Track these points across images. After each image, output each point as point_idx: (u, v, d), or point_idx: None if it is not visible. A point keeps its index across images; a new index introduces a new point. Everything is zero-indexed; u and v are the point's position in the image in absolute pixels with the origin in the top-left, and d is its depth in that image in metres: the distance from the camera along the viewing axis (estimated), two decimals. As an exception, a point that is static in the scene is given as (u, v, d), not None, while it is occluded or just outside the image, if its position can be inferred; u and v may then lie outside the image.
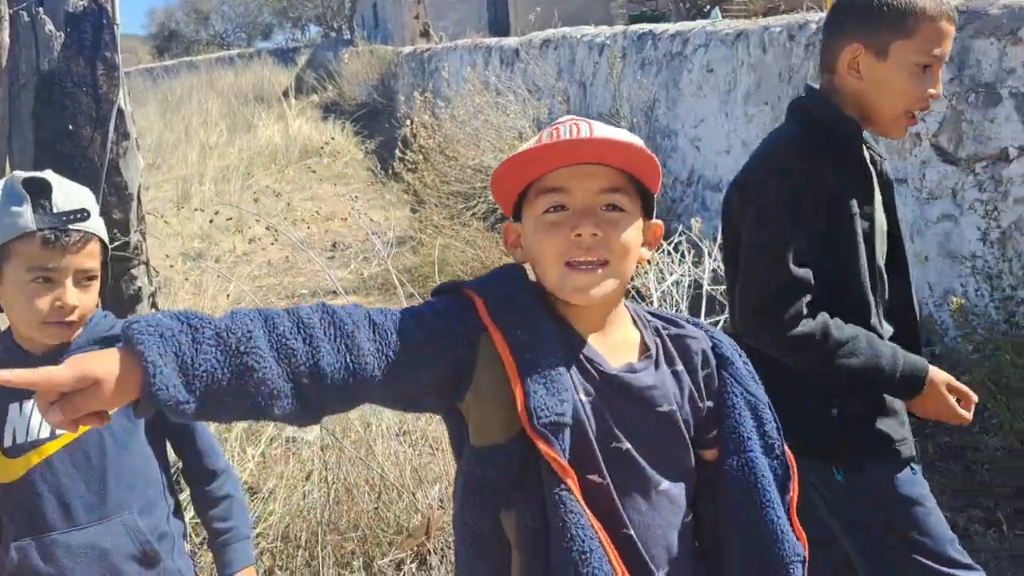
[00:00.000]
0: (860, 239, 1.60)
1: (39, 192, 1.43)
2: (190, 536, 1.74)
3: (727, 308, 1.78)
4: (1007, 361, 2.92)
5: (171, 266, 5.36)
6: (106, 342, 1.49)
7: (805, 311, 1.53)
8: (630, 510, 1.07)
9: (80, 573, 1.45)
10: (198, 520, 1.72)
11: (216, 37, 42.16)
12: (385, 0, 22.35)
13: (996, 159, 3.59)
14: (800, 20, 4.94)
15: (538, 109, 7.43)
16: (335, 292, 4.65)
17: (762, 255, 1.56)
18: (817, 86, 1.71)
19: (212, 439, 1.68)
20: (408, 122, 7.72)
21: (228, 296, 4.41)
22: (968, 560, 1.61)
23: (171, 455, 1.69)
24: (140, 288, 2.65)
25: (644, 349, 1.14)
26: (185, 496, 1.88)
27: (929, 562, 1.58)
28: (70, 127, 2.43)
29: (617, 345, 1.12)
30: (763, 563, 1.11)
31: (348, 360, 0.98)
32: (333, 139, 11.45)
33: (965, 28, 3.59)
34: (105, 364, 0.88)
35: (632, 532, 1.06)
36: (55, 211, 1.42)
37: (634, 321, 1.16)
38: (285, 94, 16.71)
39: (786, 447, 1.17)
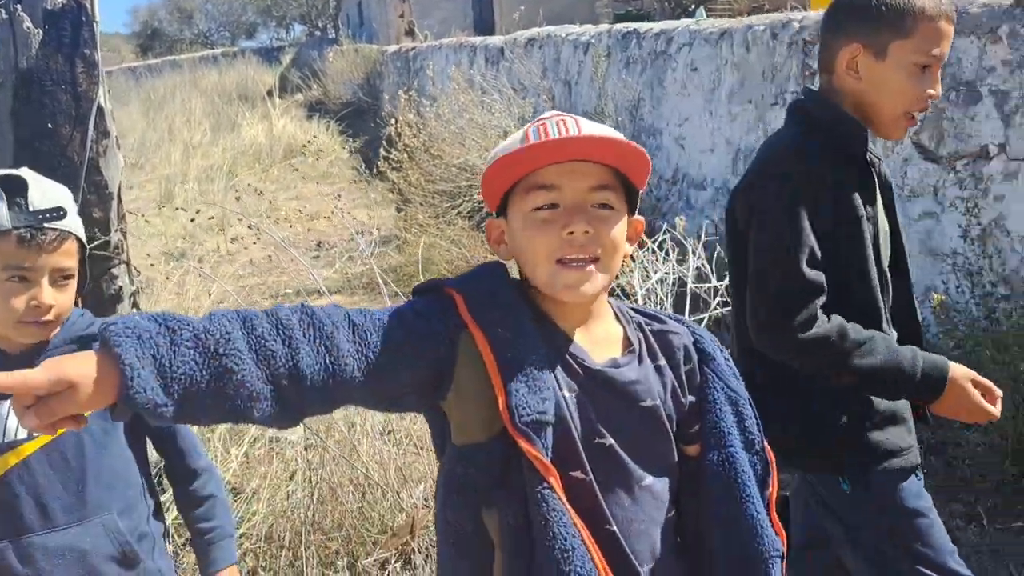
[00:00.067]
0: (868, 241, 1.57)
1: (15, 190, 1.41)
2: (173, 537, 1.73)
3: (734, 316, 1.74)
4: (987, 357, 2.94)
5: (152, 265, 5.32)
6: (83, 341, 1.47)
7: (819, 313, 1.50)
8: (613, 506, 1.07)
9: (58, 575, 1.43)
10: (181, 521, 1.71)
11: (200, 36, 41.93)
12: (370, -1, 22.30)
13: (976, 157, 3.62)
14: (783, 19, 4.96)
15: (523, 108, 7.42)
16: (319, 292, 4.62)
17: (772, 259, 1.53)
18: (813, 86, 1.69)
19: (194, 439, 1.66)
20: (393, 121, 7.69)
21: (210, 296, 4.38)
22: (967, 571, 1.60)
23: (153, 455, 1.67)
24: (121, 288, 2.62)
25: (627, 344, 1.14)
26: (168, 497, 1.87)
27: (931, 573, 1.57)
28: (49, 125, 2.40)
29: (600, 340, 1.12)
30: (743, 558, 1.11)
31: (328, 361, 0.97)
32: (316, 137, 11.40)
33: (946, 27, 3.61)
34: (81, 367, 0.88)
35: (615, 528, 1.06)
36: (31, 209, 1.41)
37: (616, 317, 1.17)
38: (269, 93, 16.64)
39: (766, 443, 1.17)
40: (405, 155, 7.24)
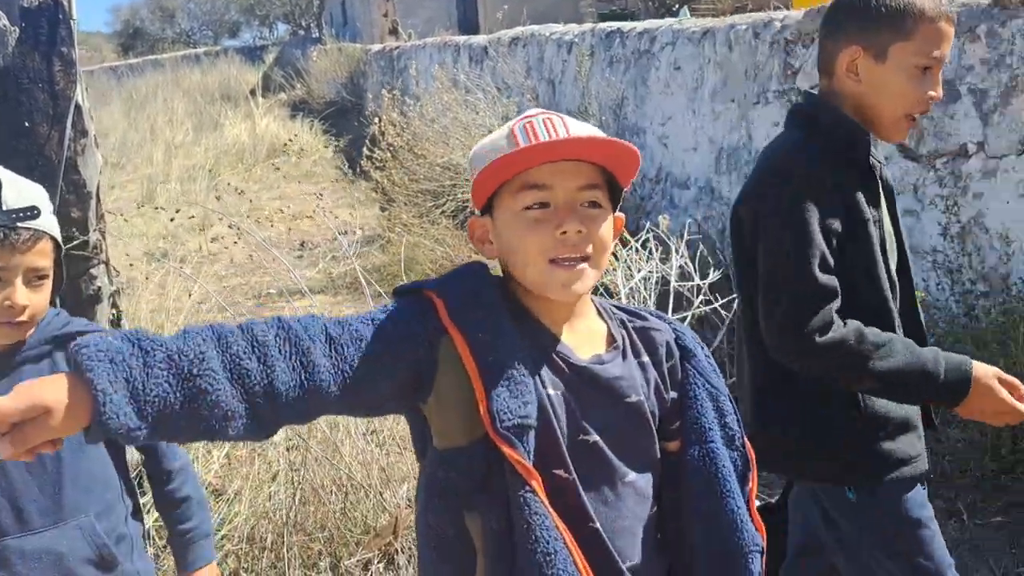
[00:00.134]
0: (877, 245, 1.55)
1: (-11, 189, 1.39)
2: (153, 538, 1.72)
3: (740, 321, 1.72)
4: (967, 354, 2.96)
5: (130, 265, 5.27)
6: (59, 340, 1.46)
7: (835, 318, 1.47)
8: (596, 503, 1.07)
9: (35, 578, 1.42)
10: (162, 523, 1.70)
11: (182, 35, 41.63)
12: (353, -2, 22.22)
13: (956, 155, 3.65)
14: (765, 18, 4.98)
15: (507, 107, 7.42)
16: (302, 292, 4.60)
17: (783, 265, 1.49)
18: (804, 87, 1.68)
19: (172, 440, 1.65)
20: (377, 120, 7.67)
21: (191, 296, 4.35)
22: None
23: (133, 456, 1.66)
24: (100, 288, 2.60)
25: (611, 341, 1.14)
26: (149, 499, 1.85)
27: None
28: (26, 124, 2.38)
29: (584, 337, 1.13)
30: (723, 553, 1.11)
31: (303, 378, 0.96)
32: (297, 135, 11.34)
33: (925, 26, 3.63)
34: (54, 392, 0.86)
35: (598, 526, 1.06)
36: (4, 208, 1.39)
37: (599, 313, 1.17)
38: (252, 92, 16.52)
39: (746, 439, 1.17)
40: (389, 154, 7.22)
